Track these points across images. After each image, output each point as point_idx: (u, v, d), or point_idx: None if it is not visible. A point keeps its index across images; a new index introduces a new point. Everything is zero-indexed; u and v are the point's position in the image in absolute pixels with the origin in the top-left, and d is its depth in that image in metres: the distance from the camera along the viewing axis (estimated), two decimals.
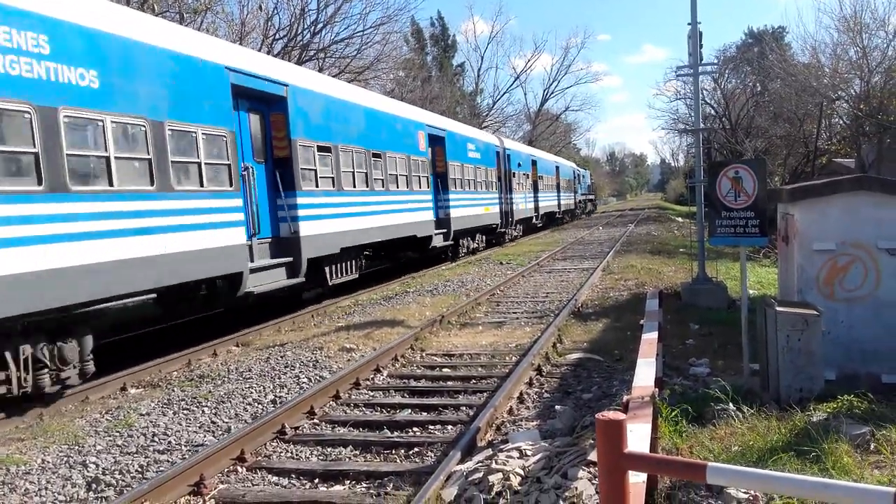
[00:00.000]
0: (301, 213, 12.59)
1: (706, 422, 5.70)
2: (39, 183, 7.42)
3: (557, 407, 6.90)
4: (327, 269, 14.05)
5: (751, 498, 4.24)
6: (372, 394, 8.00)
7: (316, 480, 5.62)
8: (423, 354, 9.80)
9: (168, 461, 6.07)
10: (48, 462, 6.15)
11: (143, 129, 8.95)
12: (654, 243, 26.73)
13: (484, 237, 26.82)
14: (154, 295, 10.61)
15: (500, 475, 4.99)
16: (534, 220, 36.45)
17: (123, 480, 5.71)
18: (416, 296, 15.09)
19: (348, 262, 15.16)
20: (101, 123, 8.31)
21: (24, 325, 7.55)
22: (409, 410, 7.27)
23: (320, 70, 27.68)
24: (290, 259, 12.30)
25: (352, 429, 6.79)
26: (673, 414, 5.35)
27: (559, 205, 45.44)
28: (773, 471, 2.84)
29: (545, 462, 5.19)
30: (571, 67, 72.81)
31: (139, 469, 5.91)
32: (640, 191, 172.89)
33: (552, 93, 67.78)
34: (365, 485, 5.46)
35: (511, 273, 18.40)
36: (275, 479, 5.68)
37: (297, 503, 5.13)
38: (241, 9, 26.54)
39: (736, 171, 6.84)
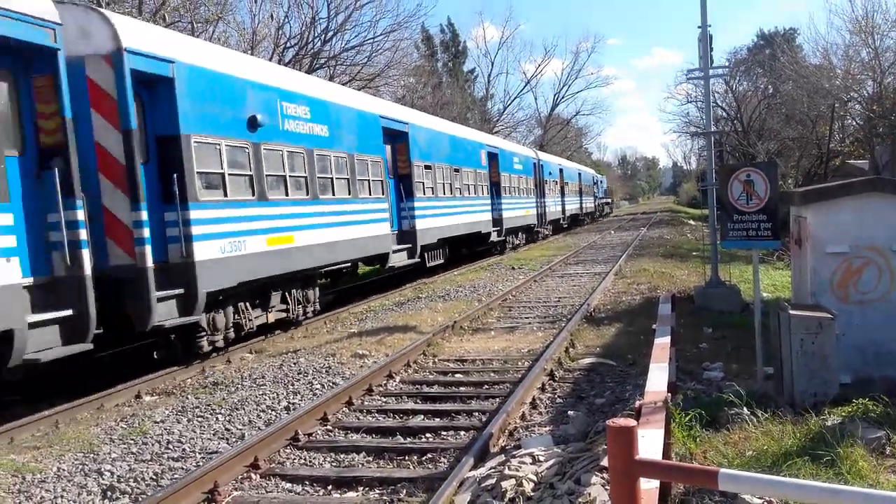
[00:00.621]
0: (417, 213, 17.73)
1: (720, 426, 5.67)
2: (307, 193, 12.45)
3: (570, 412, 6.89)
4: (427, 255, 18.99)
5: (765, 503, 4.21)
6: (385, 400, 8.02)
7: (329, 487, 5.64)
8: (436, 360, 9.82)
9: (182, 468, 6.10)
10: (63, 470, 6.19)
11: (345, 160, 13.95)
12: (667, 247, 26.62)
13: (524, 235, 31.20)
14: (349, 264, 14.73)
15: (512, 481, 4.98)
16: (561, 220, 41.27)
17: (138, 488, 5.75)
18: (428, 301, 15.12)
19: (439, 250, 20.31)
20: (329, 157, 13.27)
21: (294, 276, 12.09)
22: (422, 416, 7.28)
23: (331, 78, 27.81)
24: (410, 245, 17.24)
25: (365, 435, 6.80)
26: (687, 419, 5.32)
27: (581, 207, 50.63)
28: (785, 477, 2.83)
29: (558, 468, 5.18)
30: (582, 72, 72.09)
31: (154, 476, 5.95)
32: (652, 194, 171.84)
33: (563, 97, 67.61)
34: (378, 491, 5.47)
35: (523, 278, 18.40)
36: (288, 485, 5.70)
37: None
38: (253, 18, 26.65)
39: (747, 175, 6.80)
